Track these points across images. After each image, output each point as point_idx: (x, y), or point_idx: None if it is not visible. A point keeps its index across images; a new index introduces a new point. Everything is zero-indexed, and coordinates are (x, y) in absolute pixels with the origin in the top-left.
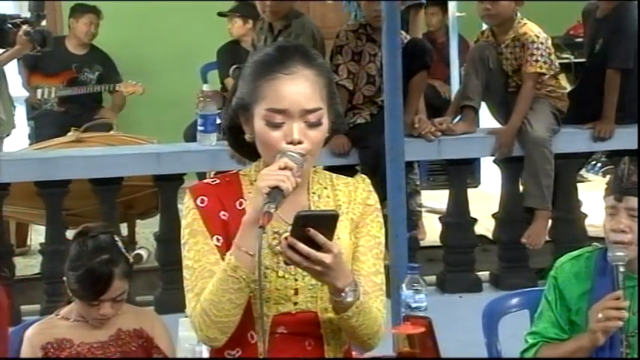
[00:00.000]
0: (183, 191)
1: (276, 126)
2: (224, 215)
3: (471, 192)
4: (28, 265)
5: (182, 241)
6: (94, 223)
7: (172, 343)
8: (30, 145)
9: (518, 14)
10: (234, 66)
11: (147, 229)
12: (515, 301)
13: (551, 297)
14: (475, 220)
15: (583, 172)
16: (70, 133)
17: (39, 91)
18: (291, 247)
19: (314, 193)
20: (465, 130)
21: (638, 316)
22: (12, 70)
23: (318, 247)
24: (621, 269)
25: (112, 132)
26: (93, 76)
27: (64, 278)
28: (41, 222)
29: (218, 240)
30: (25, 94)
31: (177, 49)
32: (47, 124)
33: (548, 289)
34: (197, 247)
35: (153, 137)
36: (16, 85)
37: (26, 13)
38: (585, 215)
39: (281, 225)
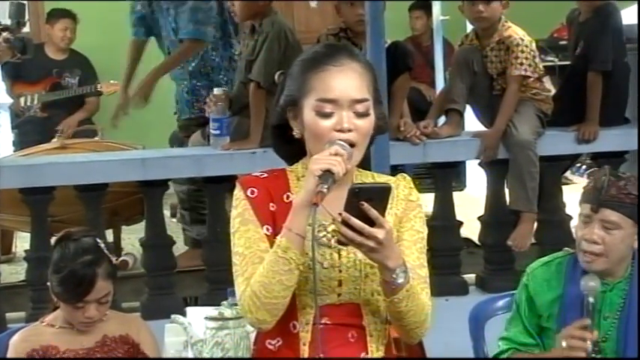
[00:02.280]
0: (169, 197)
1: (327, 115)
2: (272, 207)
3: (456, 195)
4: (13, 273)
5: (232, 230)
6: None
7: (158, 349)
8: (14, 152)
9: (502, 17)
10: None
11: (132, 235)
12: (501, 303)
13: (522, 303)
14: (461, 223)
15: (568, 174)
16: (54, 140)
17: (22, 99)
18: (345, 222)
19: None
20: (450, 134)
21: (638, 316)
22: None
23: (371, 223)
24: (590, 299)
25: (96, 138)
26: (74, 81)
27: (48, 283)
28: (26, 229)
29: (268, 230)
30: (10, 100)
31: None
32: (31, 131)
33: (519, 295)
34: (248, 234)
35: (138, 143)
36: (1, 92)
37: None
38: (570, 217)
39: (327, 218)
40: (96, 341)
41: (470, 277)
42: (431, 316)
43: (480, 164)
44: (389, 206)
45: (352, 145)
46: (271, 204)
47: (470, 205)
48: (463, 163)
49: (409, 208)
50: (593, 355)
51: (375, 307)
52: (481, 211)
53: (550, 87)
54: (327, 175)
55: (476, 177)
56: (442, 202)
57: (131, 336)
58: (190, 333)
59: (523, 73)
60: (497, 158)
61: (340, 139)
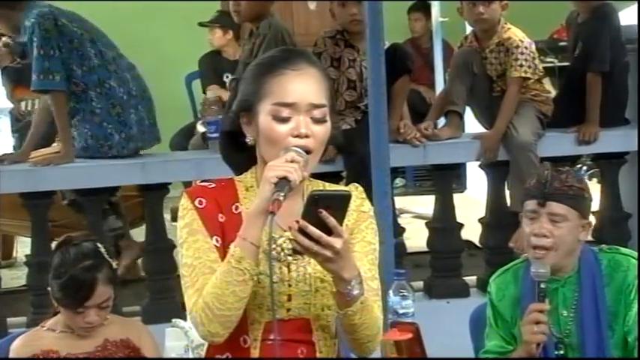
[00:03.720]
0: (169, 201)
1: (283, 120)
2: (221, 218)
3: (457, 197)
4: (14, 278)
5: (179, 241)
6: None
7: (159, 353)
8: None
9: (502, 19)
10: (231, 77)
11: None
12: None
13: (490, 313)
14: (461, 225)
15: None
16: (54, 144)
17: (22, 104)
18: (302, 230)
19: None
20: (450, 135)
21: (638, 317)
22: None
23: (328, 231)
24: (542, 285)
25: None
26: None
27: (49, 288)
28: (27, 234)
29: (217, 241)
30: (10, 105)
31: (161, 58)
32: None
33: (487, 307)
34: (197, 244)
35: None
36: (2, 97)
37: None
38: None
39: (277, 230)
40: (97, 345)
41: (471, 279)
42: (381, 329)
43: (480, 166)
44: None
45: (308, 152)
46: (220, 215)
47: (470, 206)
48: (463, 164)
49: (361, 219)
50: (557, 353)
51: (325, 322)
52: (482, 213)
53: (550, 88)
54: (283, 183)
55: (476, 179)
56: (442, 204)
57: (132, 340)
58: (191, 337)
59: (523, 74)
60: (498, 160)
61: (296, 146)
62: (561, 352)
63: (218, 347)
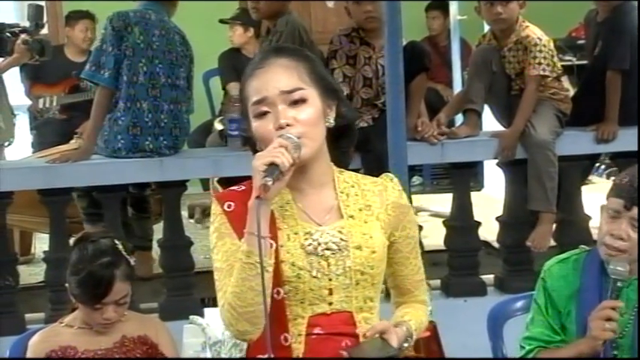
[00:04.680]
0: (187, 198)
1: (263, 115)
2: None
3: (474, 195)
4: (32, 274)
5: (211, 247)
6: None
7: (177, 349)
8: (33, 153)
9: (520, 17)
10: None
11: None
12: (519, 304)
13: (541, 300)
14: (479, 223)
15: None
16: (72, 141)
17: (40, 101)
18: None
19: (342, 192)
20: (468, 134)
21: (639, 316)
22: (15, 78)
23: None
24: (619, 284)
25: None
26: None
27: (67, 284)
28: (45, 230)
29: None
30: (29, 102)
31: None
32: (49, 133)
33: (537, 293)
34: (224, 247)
35: None
36: (20, 94)
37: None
38: (589, 217)
39: (312, 225)
40: (114, 342)
41: (488, 277)
42: (429, 310)
43: (498, 164)
44: (377, 211)
45: (299, 137)
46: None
47: (488, 205)
48: (481, 163)
49: (402, 213)
50: (612, 352)
51: (369, 313)
52: (499, 212)
53: (568, 86)
54: (272, 169)
55: (494, 177)
56: (460, 202)
57: (150, 337)
58: (209, 334)
59: (541, 72)
60: (516, 158)
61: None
62: (615, 351)
63: (259, 347)
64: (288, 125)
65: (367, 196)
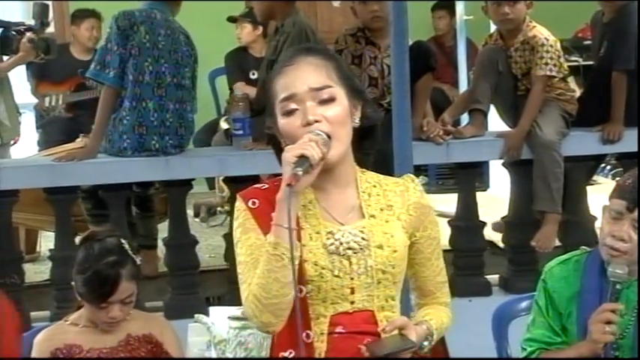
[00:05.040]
0: (192, 197)
1: (291, 112)
2: None
3: (479, 195)
4: (37, 272)
5: (235, 242)
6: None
7: (182, 348)
8: (39, 152)
9: (527, 17)
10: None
11: None
12: (524, 304)
13: (542, 302)
14: (484, 223)
15: None
16: (78, 140)
17: (46, 99)
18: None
19: (364, 192)
20: (473, 134)
21: (638, 318)
22: (21, 76)
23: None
24: (618, 286)
25: None
26: None
27: (72, 283)
28: (50, 228)
29: None
30: (35, 100)
31: None
32: (55, 131)
33: (538, 295)
34: (249, 242)
35: None
36: (26, 92)
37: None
38: (595, 218)
39: (334, 225)
40: (119, 340)
41: (493, 277)
42: (451, 314)
43: (503, 164)
44: (399, 211)
45: (327, 135)
46: (274, 214)
47: (493, 205)
48: (486, 163)
49: (423, 214)
50: (613, 353)
51: (390, 312)
52: (504, 212)
53: (574, 87)
54: (302, 161)
55: (499, 177)
56: (465, 202)
57: (154, 335)
58: (213, 333)
59: (548, 73)
60: (521, 158)
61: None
62: (616, 352)
63: (282, 344)
64: (316, 122)
65: (389, 196)
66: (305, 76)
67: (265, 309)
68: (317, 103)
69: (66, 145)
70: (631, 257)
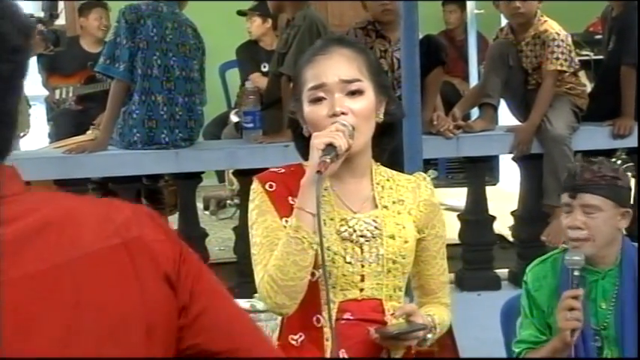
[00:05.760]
0: (202, 189)
1: (319, 100)
2: (292, 200)
3: (489, 190)
4: None
5: (250, 223)
6: None
7: None
8: (49, 144)
9: (538, 11)
10: (269, 69)
11: None
12: None
13: (525, 303)
14: (494, 217)
15: None
16: (88, 132)
17: (57, 92)
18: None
19: (377, 183)
20: (483, 128)
21: (638, 315)
22: (32, 69)
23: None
24: (576, 273)
25: None
26: None
27: None
28: None
29: (287, 222)
30: (45, 93)
31: None
32: (66, 123)
33: (522, 297)
34: (265, 224)
35: None
36: (37, 85)
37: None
38: None
39: (347, 212)
40: None
41: (502, 272)
42: (451, 315)
43: (513, 159)
44: (410, 206)
45: (352, 127)
46: (290, 197)
47: (503, 199)
48: (496, 157)
49: (433, 212)
50: (592, 344)
51: (397, 302)
52: (514, 206)
53: (585, 81)
54: (329, 149)
55: (509, 172)
56: (475, 196)
57: None
58: None
59: (559, 67)
60: (531, 153)
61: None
62: (598, 344)
63: (292, 327)
64: (342, 113)
65: (401, 191)
66: (336, 67)
67: (281, 290)
68: (345, 95)
69: (76, 137)
70: (594, 242)
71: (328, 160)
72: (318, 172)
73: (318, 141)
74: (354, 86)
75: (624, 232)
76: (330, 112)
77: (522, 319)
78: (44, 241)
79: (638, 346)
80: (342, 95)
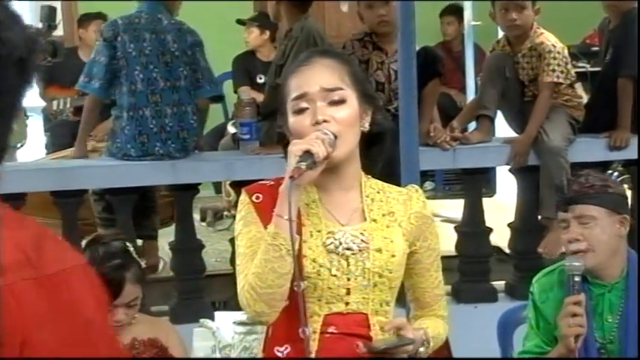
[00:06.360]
0: (199, 201)
1: (302, 111)
2: None
3: (486, 201)
4: None
5: (235, 234)
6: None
7: (187, 353)
8: (46, 155)
9: (535, 23)
10: (265, 80)
11: (162, 239)
12: None
13: (532, 314)
14: (490, 229)
15: None
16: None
17: (54, 103)
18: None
19: (367, 196)
20: (480, 139)
21: (638, 318)
22: None
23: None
24: (576, 279)
25: None
26: None
27: None
28: (57, 232)
29: None
30: (43, 104)
31: None
32: (63, 134)
33: (528, 308)
34: (250, 234)
35: None
36: (35, 96)
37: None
38: None
39: (335, 225)
40: (124, 344)
41: (499, 284)
42: (447, 328)
43: (510, 170)
44: (400, 218)
45: (334, 135)
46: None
47: (500, 211)
48: (493, 169)
49: (425, 224)
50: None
51: (384, 317)
52: (511, 218)
53: (582, 93)
54: (306, 156)
55: (506, 183)
56: (472, 208)
57: (160, 339)
58: (219, 337)
59: (555, 79)
60: (528, 164)
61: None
62: (604, 356)
63: (277, 338)
64: (325, 122)
65: (391, 203)
66: (318, 77)
67: (260, 298)
68: (327, 104)
69: (73, 148)
70: (595, 253)
71: (303, 167)
72: (291, 177)
73: (295, 148)
74: (335, 95)
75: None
76: (313, 120)
77: (528, 330)
78: None
79: (638, 346)
80: (324, 104)
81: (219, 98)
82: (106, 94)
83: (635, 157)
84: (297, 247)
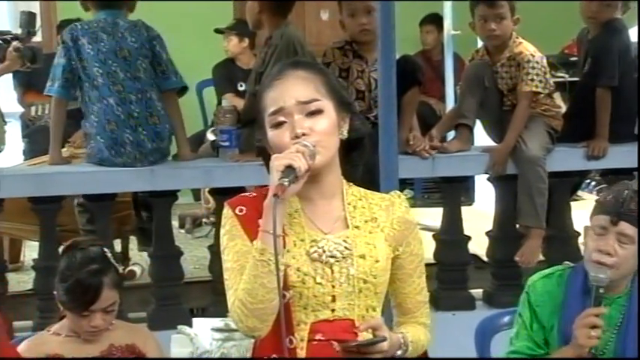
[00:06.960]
0: (177, 208)
1: (280, 125)
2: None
3: (465, 210)
4: (21, 281)
5: (221, 248)
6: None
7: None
8: (24, 161)
9: (514, 33)
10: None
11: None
12: (507, 319)
13: (526, 315)
14: (469, 237)
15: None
16: (64, 149)
17: (32, 108)
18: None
19: (349, 204)
20: (459, 148)
21: (638, 319)
22: (8, 85)
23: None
24: (601, 290)
25: None
26: None
27: (55, 292)
28: (35, 238)
29: None
30: (21, 109)
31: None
32: (41, 140)
33: (522, 308)
34: (236, 248)
35: None
36: (13, 101)
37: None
38: (579, 234)
39: (318, 233)
40: (102, 350)
41: (477, 292)
42: (430, 336)
43: (488, 179)
44: (383, 224)
45: (314, 145)
46: (261, 221)
47: (478, 219)
48: (472, 177)
49: (407, 229)
50: None
51: None
52: (489, 226)
53: (560, 103)
54: (289, 171)
55: (485, 192)
56: (450, 216)
57: (137, 346)
58: (197, 344)
59: (534, 89)
60: (506, 173)
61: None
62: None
63: (265, 348)
64: (304, 135)
65: (374, 209)
66: (293, 90)
67: (251, 314)
68: (305, 116)
69: (43, 156)
70: (617, 271)
71: (286, 184)
72: (275, 195)
73: (277, 163)
74: (312, 106)
75: None
76: (292, 134)
77: (519, 329)
78: None
79: (638, 346)
80: (301, 116)
81: (185, 89)
82: (67, 94)
83: (613, 166)
84: (283, 260)
